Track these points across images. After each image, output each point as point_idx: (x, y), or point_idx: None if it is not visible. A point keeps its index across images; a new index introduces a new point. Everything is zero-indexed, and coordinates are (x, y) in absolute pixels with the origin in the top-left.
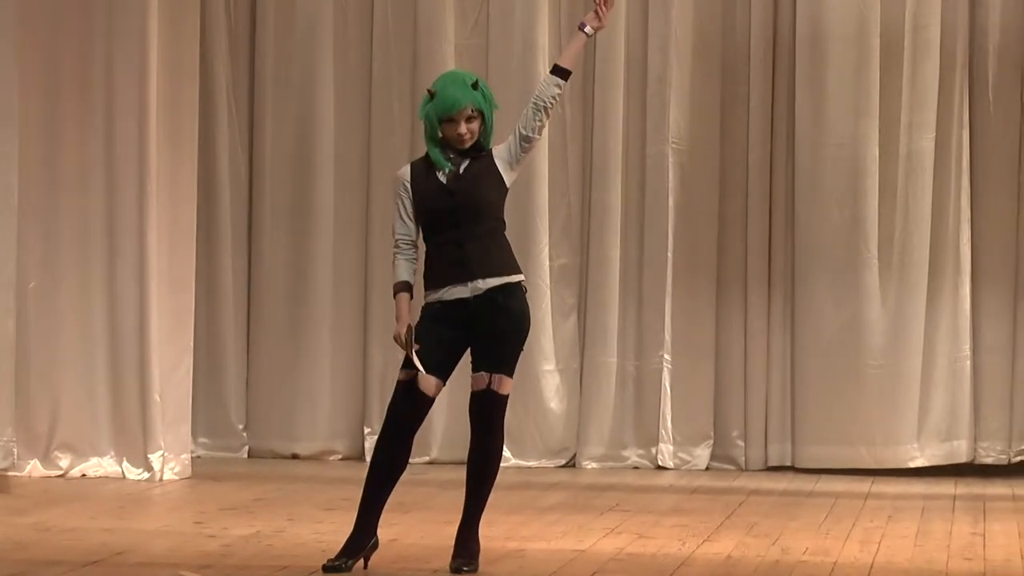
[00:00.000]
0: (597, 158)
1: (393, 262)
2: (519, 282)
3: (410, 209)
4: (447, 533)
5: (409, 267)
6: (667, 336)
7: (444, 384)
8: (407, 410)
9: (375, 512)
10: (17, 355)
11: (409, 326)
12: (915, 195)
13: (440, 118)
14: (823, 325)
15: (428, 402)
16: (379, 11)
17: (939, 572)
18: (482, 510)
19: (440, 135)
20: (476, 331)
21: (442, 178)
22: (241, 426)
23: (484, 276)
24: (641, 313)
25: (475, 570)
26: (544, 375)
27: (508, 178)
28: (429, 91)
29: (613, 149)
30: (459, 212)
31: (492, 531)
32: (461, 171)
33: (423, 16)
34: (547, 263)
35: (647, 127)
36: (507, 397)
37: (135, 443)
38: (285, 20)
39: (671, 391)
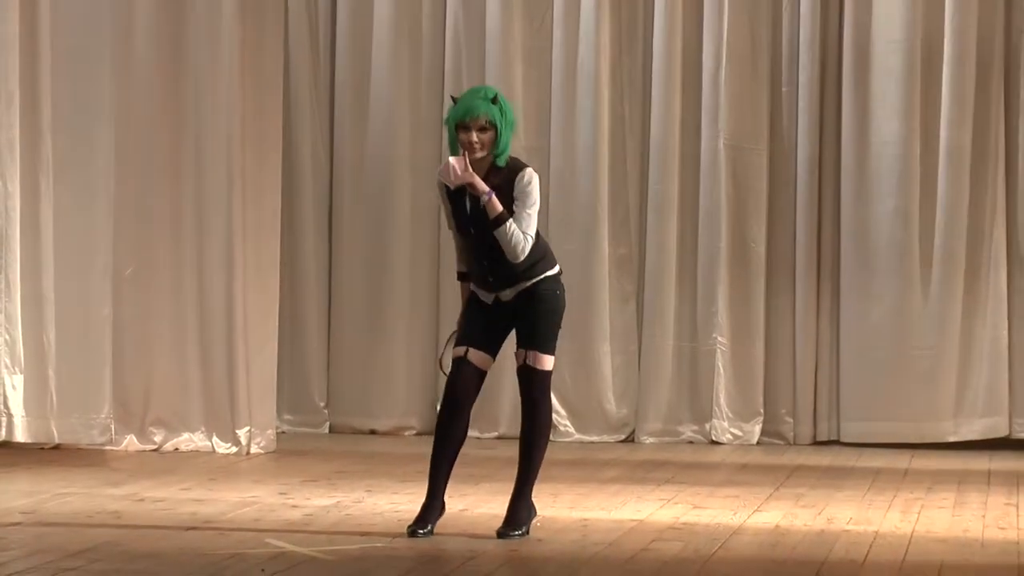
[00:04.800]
0: (655, 153)
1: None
2: (547, 276)
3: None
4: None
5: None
6: (721, 320)
7: (493, 359)
8: (461, 383)
9: (443, 480)
10: (114, 338)
11: (455, 330)
12: (953, 189)
13: (456, 123)
14: (868, 311)
15: (479, 375)
16: (451, 12)
17: (975, 540)
18: (530, 480)
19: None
20: (513, 315)
21: (468, 201)
22: (323, 403)
23: (506, 288)
24: (696, 298)
25: (523, 534)
26: (604, 356)
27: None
28: (453, 98)
29: (670, 146)
30: (484, 240)
31: (557, 501)
32: (481, 201)
33: (492, 18)
34: (607, 252)
35: (702, 125)
36: (546, 372)
37: (224, 419)
38: (363, 19)
39: (724, 371)
